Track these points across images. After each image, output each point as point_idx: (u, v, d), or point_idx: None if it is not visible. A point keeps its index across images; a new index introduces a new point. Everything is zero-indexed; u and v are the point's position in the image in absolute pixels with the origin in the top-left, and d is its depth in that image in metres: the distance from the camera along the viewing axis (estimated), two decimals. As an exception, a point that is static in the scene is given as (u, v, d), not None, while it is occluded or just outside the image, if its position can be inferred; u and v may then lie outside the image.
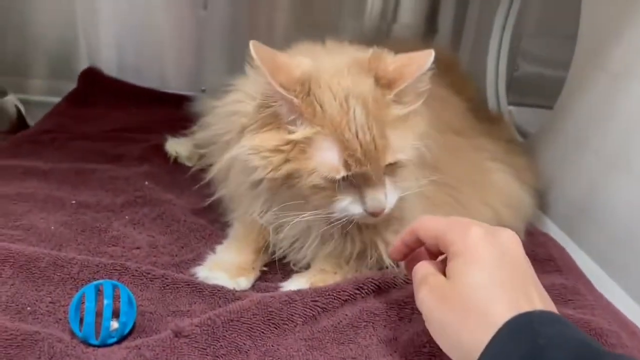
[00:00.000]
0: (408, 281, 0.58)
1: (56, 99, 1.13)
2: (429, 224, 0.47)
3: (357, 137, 0.52)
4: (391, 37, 1.27)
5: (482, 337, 0.37)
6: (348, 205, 0.54)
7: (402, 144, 0.55)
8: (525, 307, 0.38)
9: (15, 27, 1.15)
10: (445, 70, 0.87)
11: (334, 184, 0.53)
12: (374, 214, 0.54)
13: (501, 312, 0.38)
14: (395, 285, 0.58)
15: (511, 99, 1.13)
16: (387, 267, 0.60)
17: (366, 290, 0.57)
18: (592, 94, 0.75)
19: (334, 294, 0.55)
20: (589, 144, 0.74)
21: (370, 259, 0.61)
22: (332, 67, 0.56)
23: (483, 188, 0.70)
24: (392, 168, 0.55)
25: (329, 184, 0.53)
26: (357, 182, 0.54)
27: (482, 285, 0.40)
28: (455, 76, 0.87)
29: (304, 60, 0.56)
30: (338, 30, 1.26)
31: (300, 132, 0.53)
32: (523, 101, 1.15)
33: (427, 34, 1.30)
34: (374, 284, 0.57)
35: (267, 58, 0.52)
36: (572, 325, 0.38)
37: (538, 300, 0.40)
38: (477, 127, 0.77)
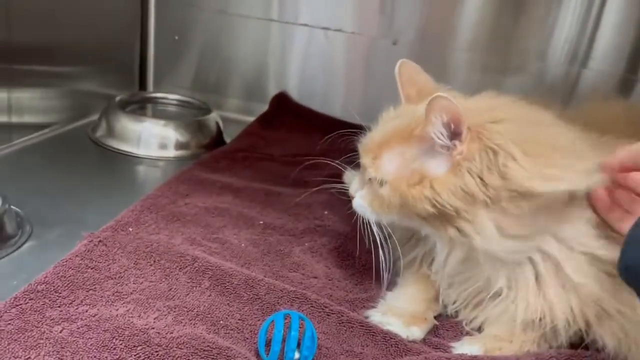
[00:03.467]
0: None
1: (247, 118, 1.24)
2: None
3: (371, 130, 0.62)
4: (579, 86, 1.18)
5: None
6: None
7: (384, 167, 0.58)
8: None
9: (221, 53, 1.29)
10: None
11: None
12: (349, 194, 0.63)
13: None
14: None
15: None
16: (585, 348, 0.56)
17: (548, 369, 0.53)
18: None
19: (513, 367, 0.52)
20: None
21: (544, 328, 0.57)
22: None
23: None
24: (371, 181, 0.60)
25: None
26: None
27: None
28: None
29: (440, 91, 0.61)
30: (521, 73, 1.20)
31: None
32: None
33: (626, 82, 1.18)
34: (558, 363, 0.53)
35: (406, 73, 0.64)
36: None
37: None
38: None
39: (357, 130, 0.65)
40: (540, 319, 0.56)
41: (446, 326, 0.62)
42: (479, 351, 0.56)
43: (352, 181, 0.66)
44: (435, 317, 0.62)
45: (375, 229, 0.60)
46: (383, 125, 0.62)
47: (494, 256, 0.55)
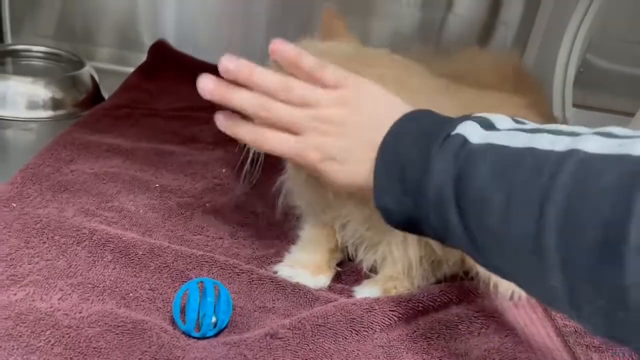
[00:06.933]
0: (478, 295, 0.62)
1: (124, 69, 1.16)
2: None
3: None
4: (444, 31, 1.24)
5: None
6: None
7: None
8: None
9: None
10: (518, 82, 0.87)
11: None
12: None
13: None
14: (466, 299, 0.61)
15: (577, 101, 1.09)
16: (461, 278, 0.63)
17: (439, 302, 0.60)
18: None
19: (410, 305, 0.58)
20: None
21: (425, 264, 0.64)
22: None
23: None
24: None
25: None
26: None
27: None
28: (525, 87, 0.86)
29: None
30: (386, 18, 1.24)
31: None
32: (592, 104, 1.12)
33: (488, 26, 1.27)
34: (447, 296, 0.60)
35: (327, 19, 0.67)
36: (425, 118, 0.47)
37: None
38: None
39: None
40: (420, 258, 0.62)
41: (347, 271, 0.67)
42: (378, 293, 0.62)
43: None
44: (338, 265, 0.67)
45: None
46: None
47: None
